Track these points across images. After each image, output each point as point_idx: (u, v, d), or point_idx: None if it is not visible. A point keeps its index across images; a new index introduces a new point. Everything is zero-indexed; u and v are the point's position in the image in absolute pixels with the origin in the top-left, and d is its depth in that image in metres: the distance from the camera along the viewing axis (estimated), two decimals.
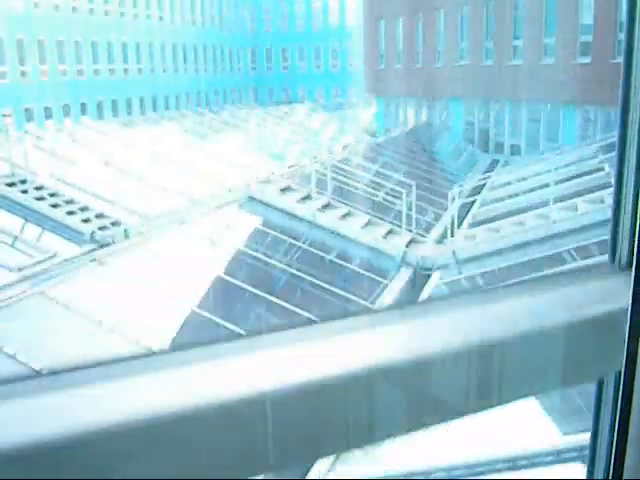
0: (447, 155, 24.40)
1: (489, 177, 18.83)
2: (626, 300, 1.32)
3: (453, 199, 15.21)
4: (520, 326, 1.23)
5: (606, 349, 1.33)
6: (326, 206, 13.52)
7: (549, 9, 23.18)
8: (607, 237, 1.41)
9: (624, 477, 1.35)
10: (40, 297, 7.62)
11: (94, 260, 8.75)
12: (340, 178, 15.80)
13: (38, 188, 16.31)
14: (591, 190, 13.72)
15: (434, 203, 16.96)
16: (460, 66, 26.11)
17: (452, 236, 13.56)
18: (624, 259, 1.39)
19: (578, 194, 13.70)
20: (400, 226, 13.36)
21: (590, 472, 1.47)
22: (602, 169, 15.60)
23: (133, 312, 8.48)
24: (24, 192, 15.76)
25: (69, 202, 16.18)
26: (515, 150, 25.30)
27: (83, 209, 15.88)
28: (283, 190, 13.60)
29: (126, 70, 38.49)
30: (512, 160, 24.69)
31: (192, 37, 43.51)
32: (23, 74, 32.75)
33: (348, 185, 15.38)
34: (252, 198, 13.06)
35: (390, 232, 13.20)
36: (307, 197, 13.58)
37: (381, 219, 13.70)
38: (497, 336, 1.20)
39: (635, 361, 1.32)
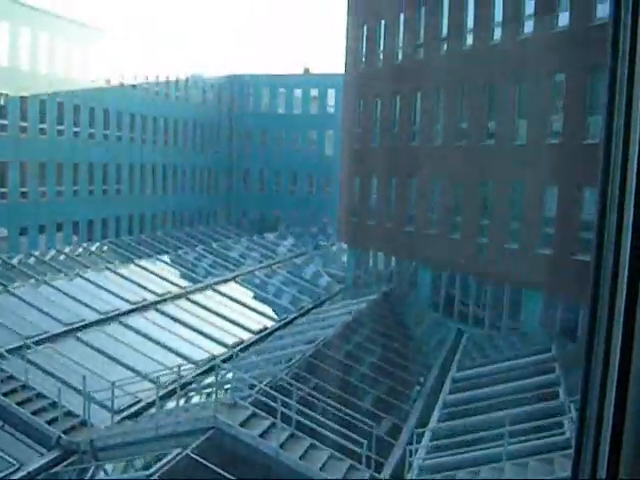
0: (414, 329, 25.12)
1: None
2: None
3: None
4: None
5: None
6: (291, 436, 13.94)
7: (516, 195, 24.33)
8: None
9: (619, 477, 1.36)
10: None
11: None
12: (309, 383, 16.28)
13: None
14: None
15: (398, 410, 17.43)
16: (429, 235, 27.10)
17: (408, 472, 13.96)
18: None
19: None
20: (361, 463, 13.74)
21: (575, 471, 1.49)
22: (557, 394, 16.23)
23: None
24: None
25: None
26: (479, 322, 26.05)
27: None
28: (249, 418, 14.00)
29: (105, 190, 39.16)
30: (474, 332, 25.45)
31: (172, 158, 44.58)
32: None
33: (314, 397, 15.81)
34: (218, 429, 13.42)
35: (351, 467, 13.61)
36: (272, 426, 13.96)
37: (343, 452, 14.04)
38: None
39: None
